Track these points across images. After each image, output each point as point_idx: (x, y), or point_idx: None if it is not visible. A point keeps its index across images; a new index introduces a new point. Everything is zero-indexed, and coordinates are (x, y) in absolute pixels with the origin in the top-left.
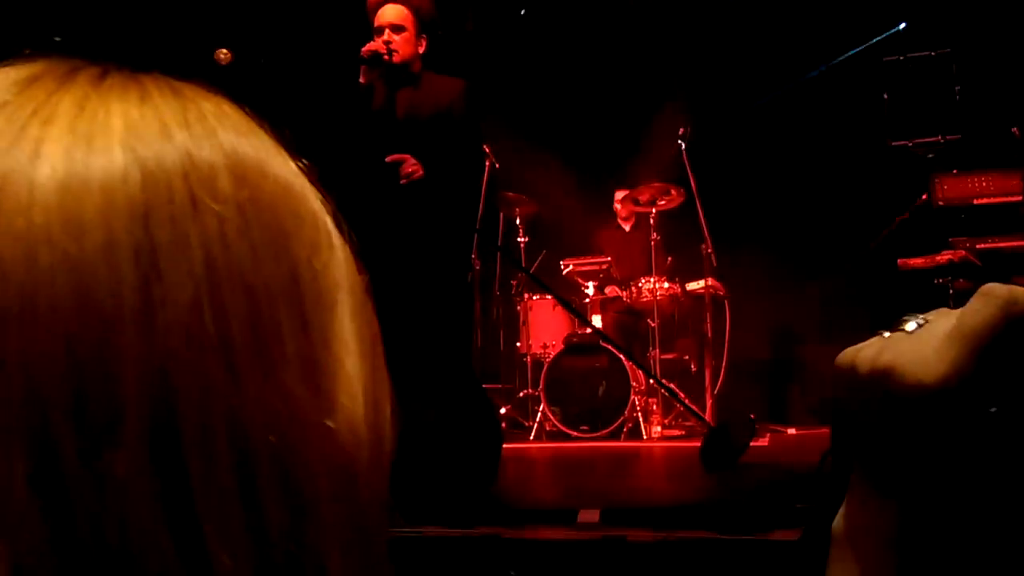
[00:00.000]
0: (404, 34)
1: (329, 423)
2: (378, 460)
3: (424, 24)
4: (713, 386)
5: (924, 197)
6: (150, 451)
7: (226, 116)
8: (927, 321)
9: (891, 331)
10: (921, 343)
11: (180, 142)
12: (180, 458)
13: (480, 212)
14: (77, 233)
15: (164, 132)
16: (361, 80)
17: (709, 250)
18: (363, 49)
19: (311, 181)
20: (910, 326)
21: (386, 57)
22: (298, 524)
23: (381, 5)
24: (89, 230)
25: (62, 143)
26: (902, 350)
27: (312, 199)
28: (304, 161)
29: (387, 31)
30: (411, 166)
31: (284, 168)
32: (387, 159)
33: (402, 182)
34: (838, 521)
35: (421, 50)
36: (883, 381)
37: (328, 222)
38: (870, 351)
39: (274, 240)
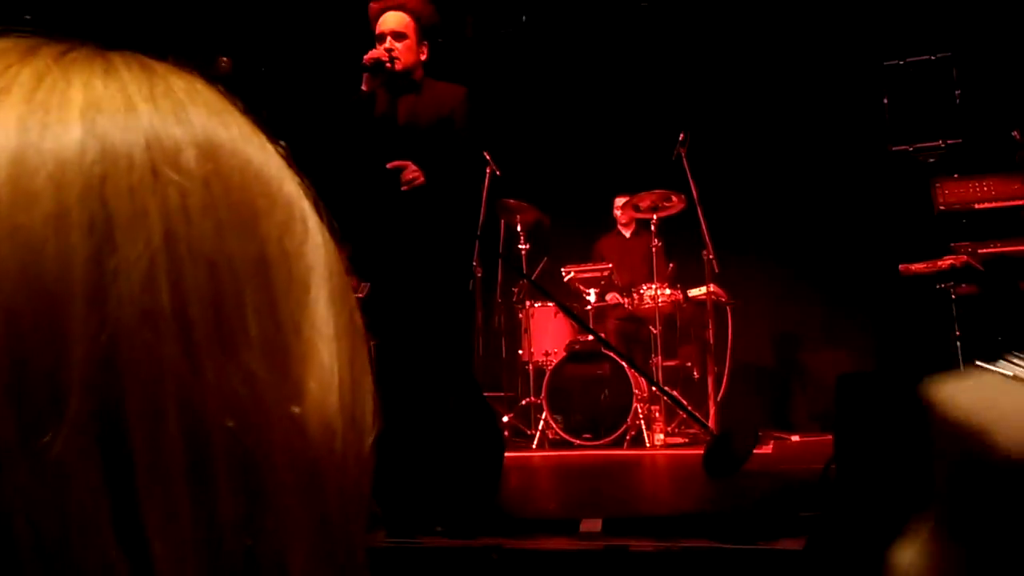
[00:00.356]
0: (406, 41)
1: (295, 409)
2: (354, 454)
3: (425, 31)
4: (716, 393)
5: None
6: (94, 432)
7: (197, 93)
8: None
9: (988, 365)
10: None
11: (145, 116)
12: (125, 439)
13: (481, 219)
14: (26, 203)
15: (128, 105)
16: (363, 88)
17: (711, 256)
18: (365, 57)
19: (288, 164)
20: (1011, 371)
21: (388, 65)
22: (255, 515)
23: (383, 13)
24: (39, 200)
25: (17, 113)
26: (1003, 412)
27: (287, 181)
28: (281, 144)
29: (389, 39)
30: (412, 173)
31: (257, 148)
32: (388, 166)
33: (403, 189)
34: (905, 557)
35: (423, 57)
36: (970, 441)
37: (304, 206)
38: (964, 400)
39: (242, 218)
